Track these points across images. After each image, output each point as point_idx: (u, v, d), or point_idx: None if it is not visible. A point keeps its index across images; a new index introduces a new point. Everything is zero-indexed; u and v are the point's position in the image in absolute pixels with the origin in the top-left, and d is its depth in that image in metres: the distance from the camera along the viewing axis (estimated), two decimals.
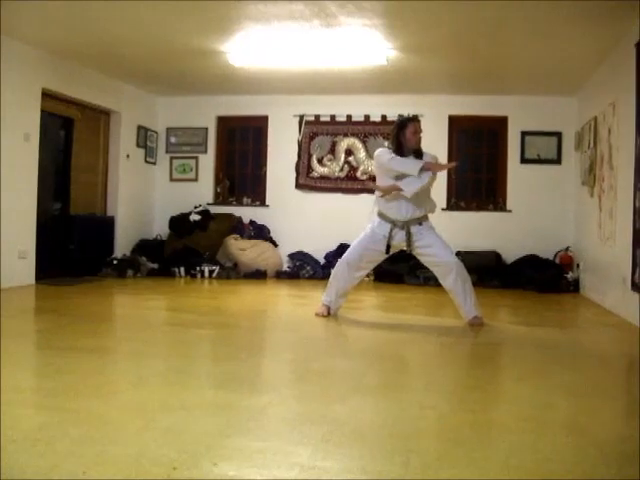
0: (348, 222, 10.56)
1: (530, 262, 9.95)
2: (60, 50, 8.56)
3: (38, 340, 5.35)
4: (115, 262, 10.05)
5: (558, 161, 10.49)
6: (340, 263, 6.64)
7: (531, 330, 6.27)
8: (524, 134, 10.59)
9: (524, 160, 10.61)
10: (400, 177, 6.21)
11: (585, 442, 2.89)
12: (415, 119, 6.49)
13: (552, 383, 4.09)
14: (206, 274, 10.22)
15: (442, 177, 10.51)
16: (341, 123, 11.16)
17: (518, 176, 10.61)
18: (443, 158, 10.37)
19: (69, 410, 3.17)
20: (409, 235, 6.27)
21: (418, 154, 6.30)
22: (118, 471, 2.39)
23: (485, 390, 3.93)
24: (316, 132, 11.25)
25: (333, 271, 6.73)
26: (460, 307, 6.38)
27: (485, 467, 2.56)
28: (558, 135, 10.47)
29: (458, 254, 10.04)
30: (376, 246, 6.43)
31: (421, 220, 6.33)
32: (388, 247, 6.37)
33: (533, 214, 10.48)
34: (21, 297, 7.61)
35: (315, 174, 11.23)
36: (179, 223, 11.02)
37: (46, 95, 8.75)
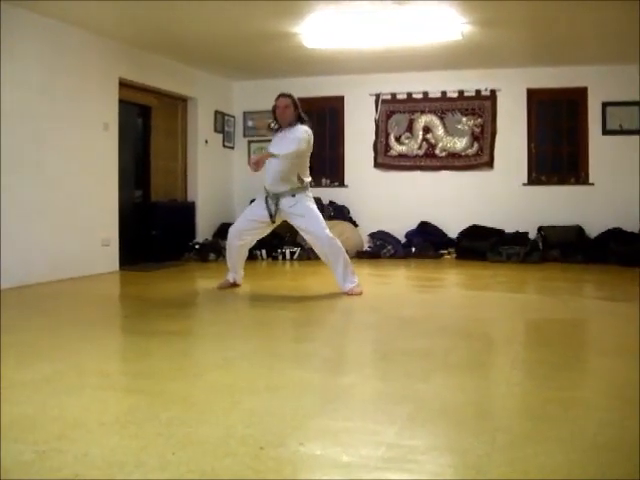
0: (428, 200, 10.60)
1: (614, 235, 9.72)
2: (135, 40, 8.70)
3: (123, 325, 5.49)
4: (197, 247, 10.19)
5: None
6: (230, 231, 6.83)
7: (616, 305, 6.15)
8: (605, 105, 10.31)
9: (606, 132, 10.34)
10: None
11: None
12: (282, 95, 6.57)
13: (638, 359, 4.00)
14: (287, 256, 10.29)
15: (522, 151, 10.40)
16: (418, 100, 11.06)
17: (600, 148, 10.35)
18: (522, 132, 10.30)
19: (156, 392, 3.23)
20: (277, 206, 6.42)
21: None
22: (206, 451, 2.43)
23: (571, 367, 3.86)
24: (393, 110, 11.18)
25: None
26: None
27: (572, 444, 2.52)
28: None
29: (540, 229, 9.95)
30: (257, 217, 6.60)
31: (294, 192, 6.42)
32: (271, 216, 6.50)
33: (616, 186, 10.20)
34: (105, 284, 7.79)
35: (393, 152, 11.18)
36: None
37: (123, 84, 8.89)
